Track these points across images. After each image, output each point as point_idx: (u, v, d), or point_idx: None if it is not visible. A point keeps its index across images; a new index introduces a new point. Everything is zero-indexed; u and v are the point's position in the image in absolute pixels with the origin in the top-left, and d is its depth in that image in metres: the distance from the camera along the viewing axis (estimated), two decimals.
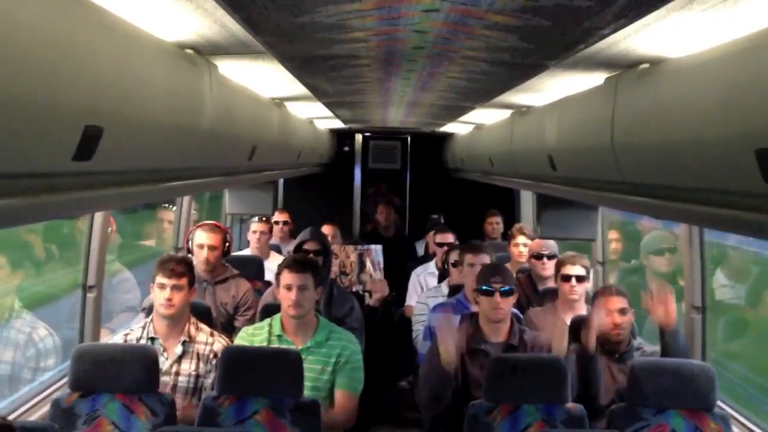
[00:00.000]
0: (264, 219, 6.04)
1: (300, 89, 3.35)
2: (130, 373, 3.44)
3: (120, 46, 1.61)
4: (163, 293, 3.74)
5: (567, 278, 4.56)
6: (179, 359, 3.80)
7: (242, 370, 3.49)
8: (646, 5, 1.46)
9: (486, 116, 4.73)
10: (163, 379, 3.65)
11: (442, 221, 7.45)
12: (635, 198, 2.37)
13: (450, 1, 1.53)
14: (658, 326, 3.93)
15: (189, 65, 2.13)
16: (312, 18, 1.72)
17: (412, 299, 5.98)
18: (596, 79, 2.52)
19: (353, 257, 5.89)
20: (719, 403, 3.49)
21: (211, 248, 4.72)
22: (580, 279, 4.57)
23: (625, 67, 2.25)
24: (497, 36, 1.91)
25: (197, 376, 3.80)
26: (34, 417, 3.70)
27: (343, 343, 3.85)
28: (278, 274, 3.88)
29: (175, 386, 3.77)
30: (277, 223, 6.71)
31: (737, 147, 1.53)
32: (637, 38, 1.82)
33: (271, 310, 4.21)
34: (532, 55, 2.19)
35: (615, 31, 1.71)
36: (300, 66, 2.62)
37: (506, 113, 4.22)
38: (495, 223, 7.24)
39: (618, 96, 2.29)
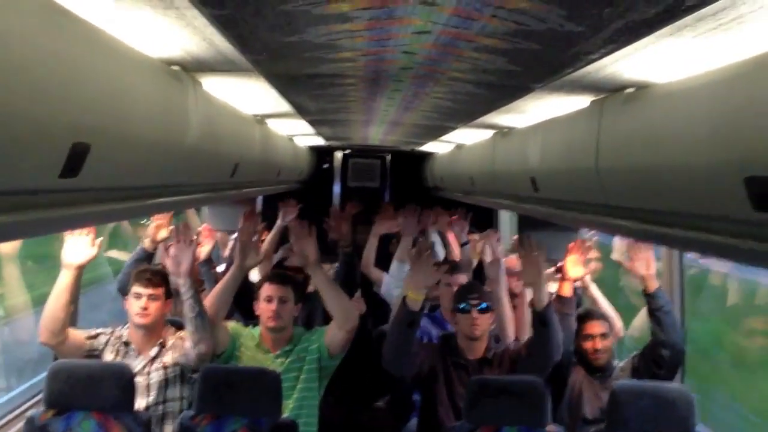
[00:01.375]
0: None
1: (283, 106, 3.34)
2: (105, 391, 3.39)
3: (108, 62, 1.60)
4: (138, 302, 3.71)
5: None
6: (152, 360, 3.74)
7: (220, 389, 3.45)
8: (637, 31, 1.46)
9: (467, 136, 4.75)
10: (137, 379, 3.59)
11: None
12: (619, 221, 2.38)
13: (442, 23, 1.53)
14: (642, 290, 3.91)
15: (175, 82, 2.11)
16: (302, 37, 1.72)
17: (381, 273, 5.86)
18: (581, 101, 2.53)
19: (331, 274, 5.86)
20: (698, 428, 3.49)
21: None
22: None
23: (610, 90, 2.27)
24: (485, 58, 1.91)
25: (174, 365, 3.74)
26: None
27: (308, 337, 3.87)
28: (259, 287, 3.88)
29: (148, 386, 3.71)
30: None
31: (726, 174, 1.54)
32: (625, 63, 1.83)
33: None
34: (518, 77, 2.20)
35: (604, 56, 1.72)
36: (285, 84, 2.61)
37: (488, 133, 4.24)
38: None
39: (603, 119, 2.30)
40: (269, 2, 1.42)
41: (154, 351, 3.76)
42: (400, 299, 3.73)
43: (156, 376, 3.72)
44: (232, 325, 3.94)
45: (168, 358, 3.75)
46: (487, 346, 3.93)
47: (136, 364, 3.68)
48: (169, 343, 3.79)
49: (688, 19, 1.36)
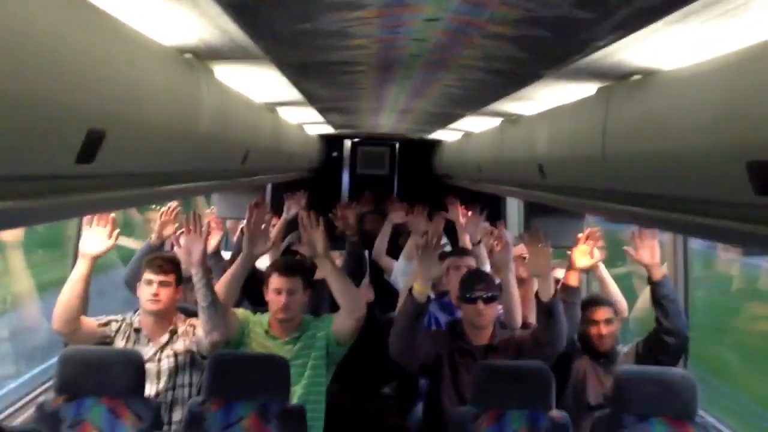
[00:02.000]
0: None
1: (294, 94, 3.36)
2: (116, 377, 3.41)
3: (123, 49, 1.62)
4: (149, 288, 3.74)
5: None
6: (163, 347, 3.78)
7: (229, 375, 3.49)
8: (644, 18, 1.48)
9: (475, 124, 4.77)
10: (148, 366, 3.63)
11: None
12: (625, 207, 2.40)
13: (452, 11, 1.55)
14: (647, 278, 3.95)
15: (188, 69, 2.14)
16: (314, 25, 1.74)
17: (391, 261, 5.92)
18: (588, 89, 2.55)
19: (339, 263, 5.90)
20: (700, 412, 3.52)
21: None
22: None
23: (617, 77, 2.29)
24: (495, 45, 1.93)
25: (185, 352, 3.78)
26: (18, 421, 3.68)
27: (317, 324, 3.89)
28: (267, 277, 3.90)
29: (159, 372, 3.75)
30: None
31: (729, 158, 1.56)
32: (632, 50, 1.85)
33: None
34: (527, 64, 2.22)
35: (611, 42, 1.74)
36: (296, 71, 2.63)
37: (496, 121, 4.26)
38: None
39: (610, 106, 2.32)
40: None
41: (165, 338, 3.79)
42: (407, 291, 3.76)
43: (166, 362, 3.75)
44: (240, 311, 3.96)
45: (179, 345, 3.79)
46: (493, 332, 3.96)
47: (147, 350, 3.71)
48: (180, 329, 3.83)
49: (695, 5, 1.38)
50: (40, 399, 3.46)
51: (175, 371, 3.76)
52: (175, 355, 3.77)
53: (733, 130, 1.52)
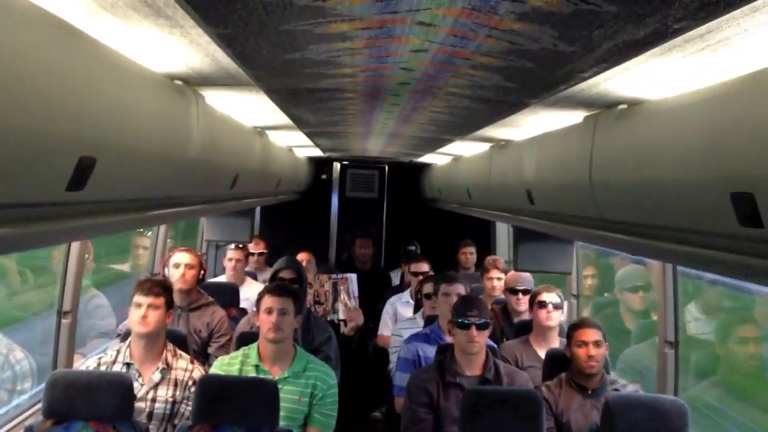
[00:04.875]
0: (240, 246, 6.04)
1: (282, 119, 3.38)
2: (104, 401, 3.40)
3: (114, 77, 1.64)
4: (138, 311, 3.75)
5: (543, 305, 4.61)
6: (156, 386, 3.78)
7: (218, 399, 3.47)
8: (627, 51, 1.51)
9: (465, 148, 4.79)
10: (138, 405, 3.63)
11: (418, 251, 7.48)
12: (612, 235, 2.42)
13: (438, 42, 1.57)
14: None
15: (178, 96, 2.16)
16: (302, 54, 1.76)
17: (385, 328, 6.02)
18: (575, 117, 2.58)
19: (327, 286, 5.91)
20: None
21: (188, 267, 4.75)
22: (556, 306, 4.63)
23: (603, 106, 2.32)
24: (481, 75, 1.96)
25: (173, 402, 3.79)
26: None
27: (320, 375, 3.85)
28: (259, 300, 3.91)
29: (151, 413, 3.75)
30: (252, 254, 6.72)
31: (713, 189, 1.58)
32: (617, 81, 1.88)
33: (247, 338, 4.21)
34: (514, 93, 2.25)
35: (596, 74, 1.76)
36: (285, 98, 2.65)
37: (485, 146, 4.28)
38: (469, 254, 7.29)
39: (597, 134, 2.35)
40: (271, 21, 1.46)
41: (156, 376, 3.78)
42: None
43: (161, 407, 3.75)
44: (217, 364, 3.95)
45: (176, 392, 3.78)
46: (486, 363, 3.96)
47: (137, 387, 3.69)
48: (173, 372, 3.82)
49: (677, 40, 1.40)
50: (28, 422, 3.43)
51: (169, 417, 3.77)
52: (165, 402, 3.76)
53: (717, 161, 1.55)
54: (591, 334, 4.00)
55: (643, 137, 2.01)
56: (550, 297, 4.62)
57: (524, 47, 1.54)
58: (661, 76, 1.75)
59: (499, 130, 3.44)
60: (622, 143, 2.16)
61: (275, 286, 3.99)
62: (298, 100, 2.71)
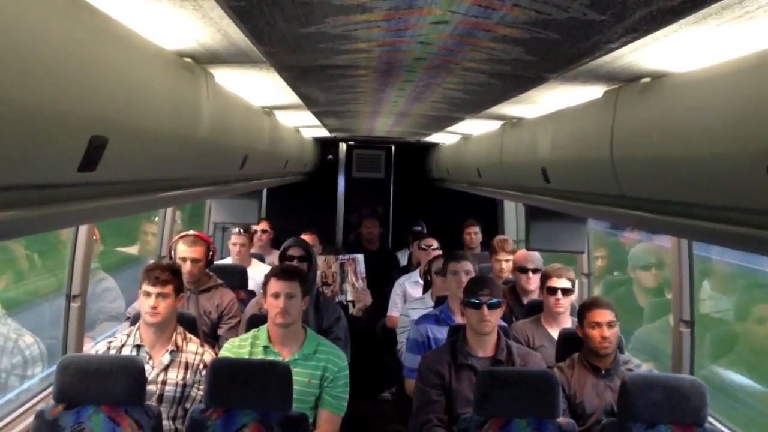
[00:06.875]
0: (242, 231, 6.02)
1: (291, 98, 3.32)
2: (116, 385, 3.38)
3: (124, 54, 1.58)
4: (148, 301, 3.72)
5: (553, 291, 4.58)
6: (166, 368, 3.75)
7: (231, 383, 3.44)
8: (660, 19, 1.45)
9: (474, 127, 4.73)
10: (149, 387, 3.60)
11: (425, 231, 7.44)
12: (633, 212, 2.37)
13: (461, 13, 1.51)
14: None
15: (188, 74, 2.10)
16: (318, 28, 1.70)
17: (394, 309, 5.99)
18: (593, 92, 2.51)
19: (335, 267, 5.89)
20: (710, 419, 3.48)
21: (193, 261, 4.70)
22: (566, 292, 4.59)
23: (625, 80, 2.25)
24: (502, 48, 1.89)
25: (184, 385, 3.76)
26: (17, 429, 3.63)
27: (331, 357, 3.82)
28: (265, 283, 3.87)
29: (161, 396, 3.72)
30: (255, 231, 6.68)
31: (747, 163, 1.52)
32: (644, 52, 1.81)
33: (257, 320, 4.18)
34: (533, 67, 2.18)
35: (624, 45, 1.70)
36: (296, 75, 2.59)
37: (496, 124, 4.22)
38: (473, 233, 7.25)
39: (618, 109, 2.28)
40: None
41: (166, 358, 3.75)
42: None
43: (171, 390, 3.73)
44: (227, 347, 3.93)
45: (187, 375, 3.76)
46: (498, 343, 3.92)
47: (148, 369, 3.67)
48: (183, 357, 3.78)
49: (713, 7, 1.34)
50: (39, 407, 3.41)
51: (179, 401, 3.74)
52: (175, 384, 3.73)
53: (752, 135, 1.48)
54: (604, 315, 3.95)
55: (669, 111, 1.94)
56: (560, 283, 4.57)
57: (552, 16, 1.48)
58: (690, 46, 1.69)
59: (512, 107, 3.37)
60: (645, 117, 2.09)
61: (281, 270, 3.93)
62: (309, 77, 2.65)
